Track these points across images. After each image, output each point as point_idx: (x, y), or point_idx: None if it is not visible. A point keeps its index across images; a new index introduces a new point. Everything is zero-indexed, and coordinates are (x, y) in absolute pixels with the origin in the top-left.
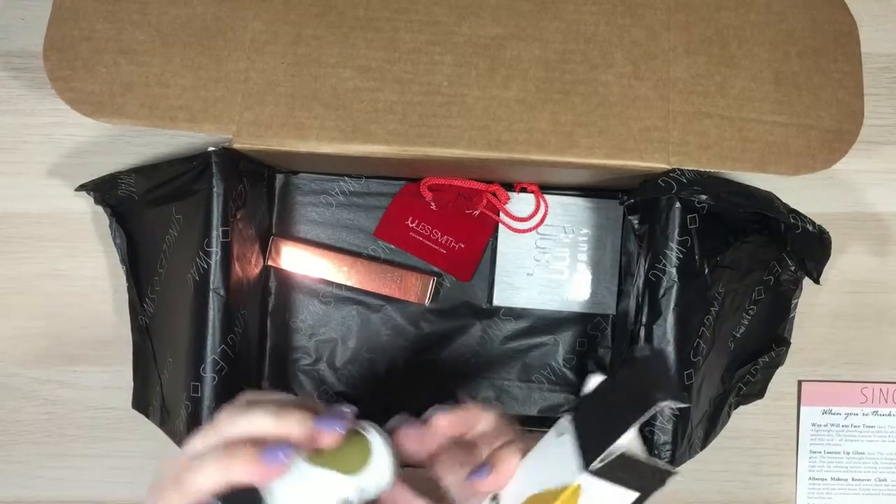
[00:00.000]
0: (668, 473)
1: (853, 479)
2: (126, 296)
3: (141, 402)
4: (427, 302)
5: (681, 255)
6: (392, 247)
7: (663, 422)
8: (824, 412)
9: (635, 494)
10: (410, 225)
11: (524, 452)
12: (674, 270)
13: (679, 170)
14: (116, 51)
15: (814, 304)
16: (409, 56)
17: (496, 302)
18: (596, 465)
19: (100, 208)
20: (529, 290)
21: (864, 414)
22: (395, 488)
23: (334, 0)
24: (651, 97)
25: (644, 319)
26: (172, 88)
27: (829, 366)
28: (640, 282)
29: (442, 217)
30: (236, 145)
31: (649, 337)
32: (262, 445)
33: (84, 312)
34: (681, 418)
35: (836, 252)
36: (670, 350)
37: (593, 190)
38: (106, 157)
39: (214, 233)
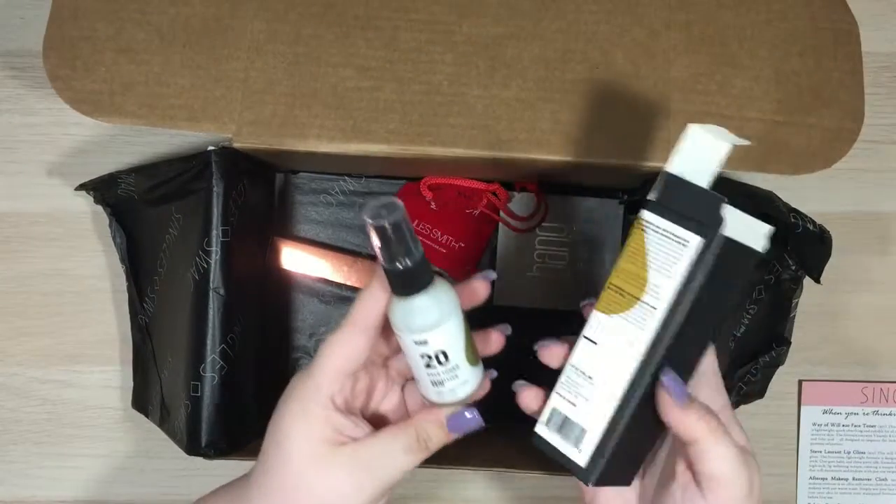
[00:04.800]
0: (719, 200)
1: (854, 479)
2: (126, 295)
3: (141, 402)
4: None
5: None
6: None
7: None
8: (825, 412)
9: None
10: None
11: None
12: None
13: None
14: (116, 50)
15: (814, 303)
16: (409, 55)
17: (496, 302)
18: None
19: (99, 208)
20: (530, 289)
21: (864, 413)
22: None
23: None
24: (652, 96)
25: None
26: (172, 88)
27: (830, 365)
28: None
29: (442, 216)
30: (236, 144)
31: None
32: None
33: (84, 312)
34: None
35: (837, 251)
36: None
37: (594, 189)
38: (105, 156)
39: (214, 232)
